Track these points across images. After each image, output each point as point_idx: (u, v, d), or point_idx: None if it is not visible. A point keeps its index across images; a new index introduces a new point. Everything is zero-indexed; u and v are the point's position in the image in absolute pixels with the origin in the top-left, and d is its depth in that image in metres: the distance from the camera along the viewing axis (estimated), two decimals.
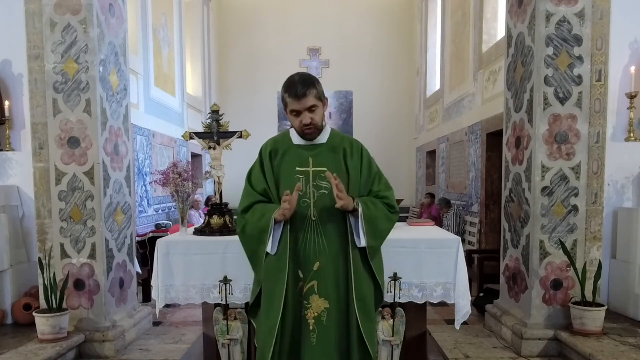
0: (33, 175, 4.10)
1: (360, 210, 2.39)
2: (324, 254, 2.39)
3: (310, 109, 2.36)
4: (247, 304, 3.09)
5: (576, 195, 4.02)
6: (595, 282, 3.87)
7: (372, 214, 2.43)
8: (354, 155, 2.52)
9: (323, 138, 2.50)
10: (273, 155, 2.53)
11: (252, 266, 2.59)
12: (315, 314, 2.40)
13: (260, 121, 11.78)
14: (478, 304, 5.03)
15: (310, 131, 2.42)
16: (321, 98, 2.39)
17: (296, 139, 2.51)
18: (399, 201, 2.83)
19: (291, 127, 2.53)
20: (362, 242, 2.42)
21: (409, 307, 3.06)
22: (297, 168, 2.44)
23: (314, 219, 2.41)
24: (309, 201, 2.41)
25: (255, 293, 2.59)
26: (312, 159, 2.45)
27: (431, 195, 9.40)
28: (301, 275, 2.40)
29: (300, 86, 2.32)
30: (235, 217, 2.88)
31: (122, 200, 4.50)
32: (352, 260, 2.42)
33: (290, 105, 2.37)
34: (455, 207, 8.52)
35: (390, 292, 2.91)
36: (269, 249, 2.42)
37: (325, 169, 2.41)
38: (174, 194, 3.63)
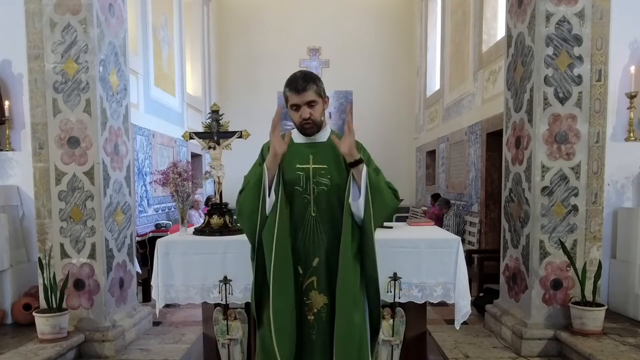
0: (33, 175, 4.11)
1: (364, 171, 2.32)
2: (324, 250, 2.40)
3: (310, 104, 2.39)
4: (247, 304, 3.09)
5: (576, 195, 4.02)
6: (595, 282, 3.87)
7: (376, 182, 2.37)
8: None
9: (324, 137, 2.52)
10: None
11: (252, 249, 2.44)
12: (315, 310, 2.41)
13: (260, 121, 11.55)
14: (478, 304, 5.03)
15: (309, 126, 2.43)
16: (321, 95, 2.42)
17: (297, 138, 2.53)
18: None
19: (292, 129, 2.54)
20: (360, 201, 2.32)
21: (409, 307, 3.06)
22: (298, 165, 2.44)
23: (313, 214, 2.42)
24: (309, 197, 2.42)
25: (256, 283, 2.44)
26: (312, 157, 2.46)
27: (435, 197, 9.27)
28: (301, 271, 2.40)
29: (301, 81, 2.37)
30: (235, 217, 2.86)
31: (122, 200, 4.50)
32: (344, 251, 2.32)
33: (291, 100, 2.41)
34: (455, 207, 8.51)
35: (390, 292, 2.91)
36: (268, 206, 2.34)
37: (325, 166, 2.43)
38: (174, 194, 3.62)
